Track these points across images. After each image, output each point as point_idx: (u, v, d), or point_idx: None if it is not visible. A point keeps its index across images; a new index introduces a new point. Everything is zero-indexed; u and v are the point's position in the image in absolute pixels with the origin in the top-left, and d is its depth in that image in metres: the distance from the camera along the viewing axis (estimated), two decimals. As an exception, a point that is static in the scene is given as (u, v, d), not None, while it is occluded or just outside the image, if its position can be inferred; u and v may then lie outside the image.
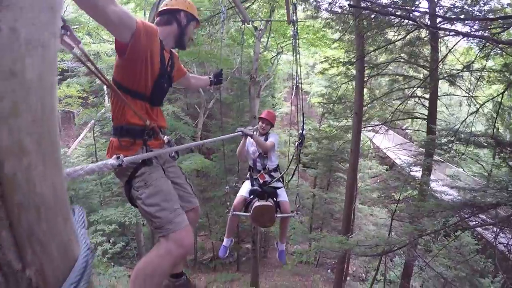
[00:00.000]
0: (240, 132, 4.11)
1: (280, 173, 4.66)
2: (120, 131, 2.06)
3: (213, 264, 16.53)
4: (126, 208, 11.73)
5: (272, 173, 4.54)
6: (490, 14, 5.94)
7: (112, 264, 10.17)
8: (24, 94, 0.67)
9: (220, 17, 4.39)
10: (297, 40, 4.24)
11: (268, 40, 14.31)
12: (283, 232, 4.88)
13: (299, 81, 4.51)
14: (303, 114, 4.24)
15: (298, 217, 4.39)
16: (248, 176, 4.69)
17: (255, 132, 4.40)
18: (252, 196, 4.30)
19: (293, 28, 4.20)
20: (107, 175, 14.48)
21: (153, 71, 2.06)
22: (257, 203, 4.03)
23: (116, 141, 2.07)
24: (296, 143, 4.39)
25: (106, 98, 15.44)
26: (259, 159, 4.52)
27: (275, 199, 4.30)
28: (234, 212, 4.32)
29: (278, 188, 4.46)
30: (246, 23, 5.01)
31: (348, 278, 14.94)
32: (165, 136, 2.39)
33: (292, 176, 4.71)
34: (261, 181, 4.43)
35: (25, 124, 0.67)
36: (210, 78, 3.26)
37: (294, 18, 4.11)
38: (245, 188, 4.52)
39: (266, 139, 4.47)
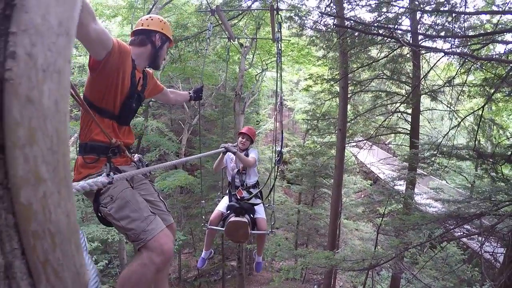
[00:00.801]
0: (223, 148, 4.09)
1: (258, 190, 4.65)
2: (85, 148, 2.04)
3: (198, 282, 16.19)
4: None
5: (251, 190, 4.54)
6: (470, 30, 6.22)
7: (95, 283, 9.85)
8: (41, 122, 0.66)
9: (207, 34, 4.44)
10: (280, 58, 4.33)
11: (253, 57, 14.51)
12: (260, 246, 4.89)
13: (282, 98, 4.55)
14: (282, 132, 4.32)
15: (273, 234, 4.39)
16: (227, 191, 4.66)
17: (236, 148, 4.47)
18: (229, 212, 4.27)
19: (277, 46, 4.28)
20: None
21: (122, 91, 2.06)
22: (232, 218, 4.02)
23: (81, 158, 2.05)
24: (274, 160, 4.38)
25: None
26: (237, 175, 4.53)
27: (252, 215, 4.28)
28: (210, 226, 4.28)
29: (256, 204, 4.42)
30: (232, 40, 5.09)
31: (335, 294, 14.86)
32: (136, 155, 2.38)
33: (270, 193, 4.66)
34: (238, 197, 4.39)
35: (41, 153, 0.66)
36: (190, 93, 3.25)
37: (279, 36, 4.21)
38: (223, 203, 4.52)
39: (246, 155, 4.49)
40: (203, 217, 4.69)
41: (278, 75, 4.40)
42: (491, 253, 5.65)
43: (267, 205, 4.82)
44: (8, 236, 0.65)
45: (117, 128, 2.13)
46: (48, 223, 0.69)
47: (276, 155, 4.33)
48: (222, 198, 4.73)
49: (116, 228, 2.01)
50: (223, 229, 4.08)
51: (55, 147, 0.70)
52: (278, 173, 4.73)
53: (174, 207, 16.84)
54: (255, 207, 4.38)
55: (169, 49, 2.44)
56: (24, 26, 0.63)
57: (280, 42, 4.24)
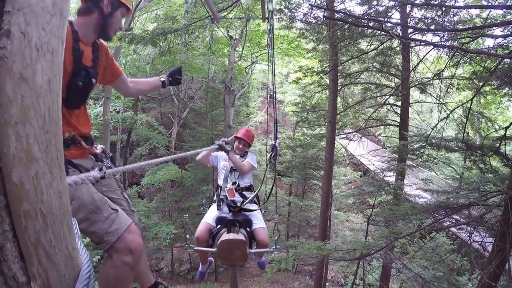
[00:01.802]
0: (217, 146, 3.47)
1: (255, 193, 3.89)
2: None
3: (190, 276, 16.22)
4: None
5: (245, 193, 3.82)
6: (460, 24, 6.26)
7: (87, 278, 9.81)
8: (34, 101, 0.66)
9: (185, 6, 4.12)
10: (272, 38, 3.64)
11: (243, 49, 14.44)
12: (260, 254, 3.89)
13: (273, 90, 4.24)
14: (275, 122, 3.64)
15: (277, 252, 3.46)
16: (214, 197, 3.89)
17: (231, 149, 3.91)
18: (219, 226, 3.46)
19: (268, 24, 3.61)
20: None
21: (65, 69, 1.79)
22: (224, 236, 3.19)
23: None
24: (269, 155, 3.70)
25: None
26: (230, 174, 3.88)
27: (248, 229, 3.48)
28: (196, 248, 3.41)
29: (252, 210, 3.66)
30: (216, 22, 4.67)
31: (327, 284, 15.05)
32: (99, 145, 2.16)
33: (269, 197, 3.96)
34: (229, 199, 3.59)
35: (33, 131, 0.67)
36: (162, 78, 2.68)
37: (271, 8, 3.53)
38: (211, 213, 3.67)
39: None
40: (187, 235, 3.82)
41: (270, 55, 3.67)
42: (480, 242, 5.78)
43: (264, 211, 4.03)
44: (-1, 218, 0.66)
45: (68, 113, 1.88)
46: (40, 203, 0.69)
47: (271, 149, 3.69)
48: (209, 207, 3.92)
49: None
50: (213, 249, 3.27)
51: (47, 126, 0.71)
52: (269, 166, 4.16)
53: (165, 201, 16.83)
54: (251, 215, 3.63)
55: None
56: (19, 5, 0.64)
57: (272, 18, 3.61)
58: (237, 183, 3.81)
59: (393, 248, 7.98)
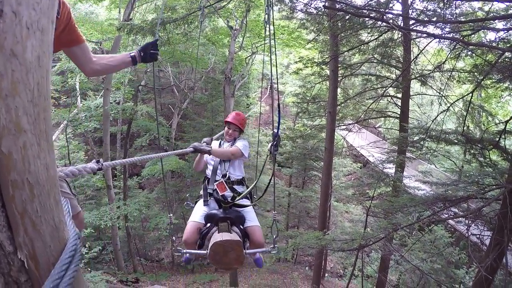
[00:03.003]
0: (192, 149, 3.08)
1: (247, 188, 3.54)
2: None
3: (191, 266, 16.36)
4: (101, 212, 11.47)
5: (236, 187, 3.47)
6: (462, 17, 6.22)
7: (89, 269, 9.90)
8: (23, 75, 0.70)
9: None
10: (271, 13, 3.01)
11: (243, 39, 14.35)
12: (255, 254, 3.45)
13: (273, 80, 3.92)
14: (279, 108, 3.26)
15: (275, 251, 3.19)
16: (201, 191, 3.52)
17: (222, 141, 3.70)
18: (209, 225, 3.10)
19: None
20: (81, 178, 14.07)
21: None
22: (217, 236, 2.87)
23: None
24: (270, 145, 3.25)
25: (79, 98, 15.04)
26: (220, 165, 3.53)
27: (241, 226, 3.15)
28: (185, 251, 3.09)
29: (245, 206, 3.34)
30: None
31: (326, 275, 15.19)
32: None
33: (265, 192, 3.51)
34: (220, 194, 3.30)
35: (22, 104, 0.70)
36: (131, 53, 2.26)
37: None
38: (199, 210, 3.31)
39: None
40: (174, 237, 3.47)
41: (269, 33, 2.98)
42: (478, 236, 5.81)
43: (257, 208, 3.63)
44: (-12, 189, 0.69)
45: None
46: (27, 173, 0.72)
47: (272, 139, 3.20)
48: (196, 203, 3.53)
49: None
50: (204, 252, 2.94)
51: (36, 100, 0.74)
52: (270, 158, 3.49)
53: (166, 191, 16.90)
54: (244, 211, 3.30)
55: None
56: None
57: None
58: (227, 176, 3.47)
59: (391, 239, 8.02)
